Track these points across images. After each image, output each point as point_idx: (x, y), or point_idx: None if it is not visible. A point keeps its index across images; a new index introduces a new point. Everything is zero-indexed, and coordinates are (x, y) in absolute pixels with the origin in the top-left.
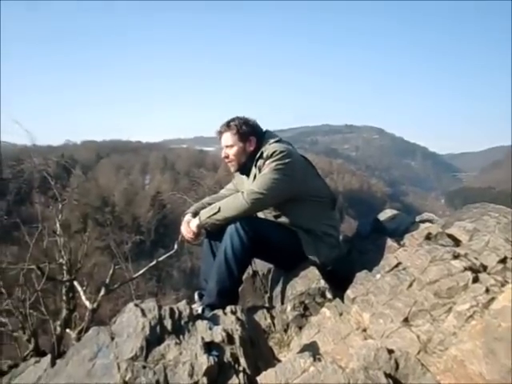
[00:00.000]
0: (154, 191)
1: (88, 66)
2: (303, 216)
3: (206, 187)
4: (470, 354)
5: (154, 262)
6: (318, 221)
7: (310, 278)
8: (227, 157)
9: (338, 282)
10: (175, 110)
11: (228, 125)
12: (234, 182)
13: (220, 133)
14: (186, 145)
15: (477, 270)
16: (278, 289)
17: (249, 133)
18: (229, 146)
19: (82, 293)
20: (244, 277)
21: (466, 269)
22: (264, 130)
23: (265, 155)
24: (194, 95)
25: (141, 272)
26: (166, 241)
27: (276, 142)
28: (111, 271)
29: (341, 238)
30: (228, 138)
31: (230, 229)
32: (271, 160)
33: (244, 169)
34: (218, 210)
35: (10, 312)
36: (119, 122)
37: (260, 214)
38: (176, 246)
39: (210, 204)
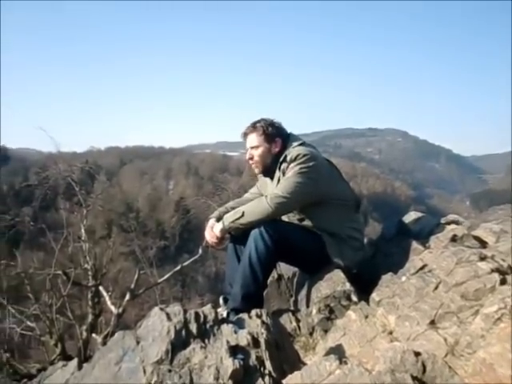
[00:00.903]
0: (177, 196)
1: (111, 72)
2: (327, 219)
3: (230, 192)
4: (498, 357)
5: (178, 267)
6: (343, 224)
7: (334, 281)
8: (252, 158)
9: (363, 284)
10: (198, 115)
11: (254, 126)
12: (257, 186)
13: (245, 134)
14: (210, 150)
15: (504, 272)
16: (303, 292)
17: (275, 134)
18: (254, 147)
19: (107, 298)
20: (269, 280)
21: (493, 270)
22: (288, 132)
23: (289, 158)
24: (217, 100)
25: (165, 277)
26: (191, 246)
27: (300, 145)
28: (136, 276)
29: (365, 240)
30: (254, 138)
31: (254, 233)
32: (295, 163)
33: (268, 171)
34: (242, 215)
35: (38, 317)
36: (142, 127)
37: (284, 218)
38: (200, 251)
39: (233, 208)
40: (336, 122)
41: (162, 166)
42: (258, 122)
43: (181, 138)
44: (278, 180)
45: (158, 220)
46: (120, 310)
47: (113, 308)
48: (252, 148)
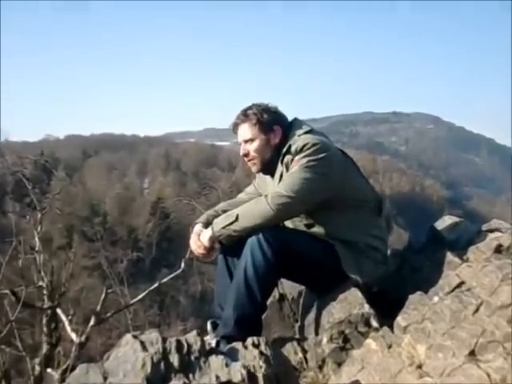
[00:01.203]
0: (154, 197)
1: (73, 45)
2: (342, 225)
3: (220, 191)
4: None
5: (155, 285)
6: (361, 231)
7: (350, 302)
8: (247, 154)
9: (386, 306)
10: (180, 97)
11: (245, 114)
12: (255, 184)
13: (236, 125)
14: (195, 139)
15: None
16: (312, 316)
17: (272, 121)
18: (248, 141)
19: (66, 323)
20: (269, 301)
21: None
22: (291, 118)
23: (293, 149)
24: (204, 78)
25: (139, 297)
26: (171, 258)
27: (307, 132)
28: (103, 296)
29: (389, 251)
30: (246, 130)
31: (251, 242)
32: (302, 155)
33: (268, 168)
34: (236, 219)
35: None
36: (111, 111)
37: (288, 224)
38: (183, 265)
39: (225, 211)
40: (352, 105)
41: (135, 159)
42: (249, 108)
43: (158, 124)
44: (281, 176)
45: (130, 226)
46: (83, 338)
47: (73, 336)
48: (246, 142)
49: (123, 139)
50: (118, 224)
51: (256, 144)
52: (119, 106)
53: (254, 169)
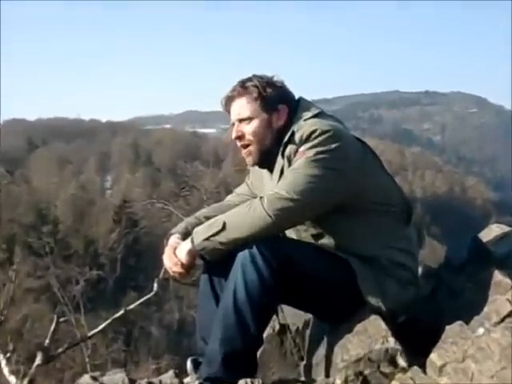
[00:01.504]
0: (119, 199)
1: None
2: (359, 235)
3: (203, 192)
4: None
5: (120, 313)
6: (384, 243)
7: (371, 335)
8: (241, 137)
9: (417, 340)
10: (153, 71)
11: (244, 85)
12: (248, 183)
13: (229, 99)
14: (171, 124)
15: None
16: (321, 352)
17: (277, 98)
18: (245, 120)
19: (3, 363)
20: (266, 334)
21: None
22: (296, 98)
23: (298, 137)
24: (184, 50)
25: (100, 328)
26: (140, 278)
27: (315, 116)
28: (53, 327)
29: (420, 270)
30: (244, 106)
31: (243, 257)
32: (308, 145)
33: (267, 159)
34: (223, 228)
35: None
36: (64, 92)
37: (290, 233)
38: (156, 287)
39: (208, 218)
40: (373, 83)
41: (94, 151)
42: (249, 79)
43: (125, 107)
44: (281, 172)
45: (87, 237)
46: (25, 381)
47: (12, 380)
48: (241, 121)
49: (79, 125)
50: (72, 234)
51: (255, 125)
52: (76, 86)
53: (249, 160)
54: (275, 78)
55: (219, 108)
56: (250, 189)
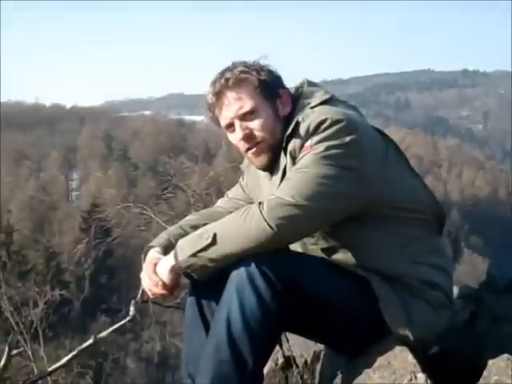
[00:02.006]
0: (88, 202)
1: None
2: (381, 249)
3: (190, 194)
4: None
5: (88, 343)
6: (411, 258)
7: (395, 370)
8: (250, 136)
9: (452, 376)
10: (129, 51)
11: (240, 72)
12: (242, 185)
13: (220, 93)
14: (151, 111)
15: None
16: None
17: (276, 83)
18: (249, 113)
19: None
20: (266, 368)
21: None
22: (299, 81)
23: (303, 129)
24: (167, 24)
25: (63, 361)
26: (112, 300)
27: (324, 102)
28: (3, 361)
29: (455, 290)
30: (244, 97)
31: (238, 277)
32: (316, 139)
33: (277, 157)
34: (213, 241)
35: None
36: (21, 73)
37: (296, 247)
38: (132, 311)
39: (195, 228)
40: (400, 60)
41: (57, 143)
42: (237, 66)
43: (95, 89)
44: (284, 172)
45: (48, 249)
46: None
47: None
48: (243, 117)
49: (39, 111)
50: (30, 245)
51: (263, 117)
52: (35, 66)
53: (260, 160)
54: (260, 61)
55: (208, 96)
56: (245, 192)
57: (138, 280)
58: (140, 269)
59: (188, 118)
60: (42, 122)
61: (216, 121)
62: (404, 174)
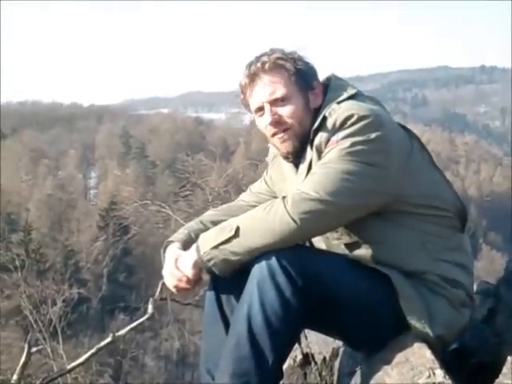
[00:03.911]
0: (106, 200)
1: None
2: (404, 246)
3: (208, 191)
4: None
5: (107, 341)
6: (433, 255)
7: (413, 367)
8: (278, 121)
9: (471, 372)
10: (147, 49)
11: (272, 59)
12: (266, 179)
13: (253, 77)
14: (170, 108)
15: None
16: None
17: (311, 74)
18: (280, 100)
19: None
20: (285, 365)
21: None
22: (327, 74)
23: (330, 124)
24: (184, 23)
25: (82, 359)
26: (131, 298)
27: (351, 97)
28: (23, 358)
29: (474, 286)
30: (278, 83)
31: (259, 272)
32: (342, 134)
33: (303, 147)
34: (236, 234)
35: None
36: (38, 72)
37: (318, 242)
38: (151, 309)
39: (215, 223)
40: (418, 57)
41: (75, 142)
42: (274, 52)
43: (113, 87)
44: (310, 166)
45: (66, 247)
46: None
47: None
48: (274, 102)
49: (57, 110)
50: (48, 244)
51: (294, 105)
52: (53, 65)
53: (285, 146)
54: (297, 51)
55: (227, 88)
56: (268, 186)
57: (157, 278)
58: (158, 267)
59: (206, 115)
60: (59, 120)
61: (246, 104)
62: (427, 171)
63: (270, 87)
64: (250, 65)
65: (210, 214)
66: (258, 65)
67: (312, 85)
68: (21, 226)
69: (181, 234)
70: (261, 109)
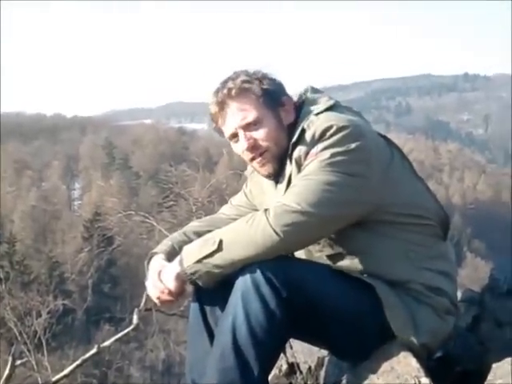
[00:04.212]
0: (89, 211)
1: None
2: (387, 255)
3: (191, 202)
4: None
5: (92, 352)
6: (417, 264)
7: (399, 375)
8: (256, 146)
9: (456, 380)
10: (128, 61)
11: (242, 82)
12: (246, 192)
13: (222, 104)
14: (153, 119)
15: None
16: None
17: (278, 90)
18: (252, 124)
19: None
20: (271, 375)
21: None
22: (302, 88)
23: (308, 136)
24: (166, 33)
25: (67, 371)
26: (116, 309)
27: (328, 109)
28: (7, 371)
29: (458, 294)
30: (248, 107)
31: (244, 284)
32: (322, 146)
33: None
34: (219, 247)
35: None
36: (21, 84)
37: (300, 255)
38: (136, 319)
39: (199, 234)
40: (401, 65)
41: (58, 153)
42: (239, 75)
43: (95, 99)
44: (289, 180)
45: (51, 258)
46: None
47: None
48: (247, 127)
49: (40, 121)
50: (32, 255)
51: (267, 127)
52: (36, 77)
53: (265, 169)
54: (262, 70)
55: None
56: (248, 199)
57: (142, 288)
58: (143, 277)
59: (189, 125)
60: (43, 131)
61: (219, 131)
62: (408, 180)
63: (240, 113)
64: (216, 92)
65: (193, 226)
66: (225, 91)
67: (281, 101)
68: (5, 238)
69: (165, 245)
70: (235, 135)
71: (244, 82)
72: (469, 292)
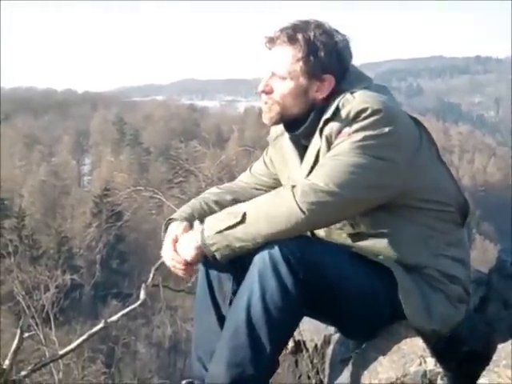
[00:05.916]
0: (99, 187)
1: None
2: (406, 240)
3: (201, 178)
4: None
5: (99, 327)
6: (435, 250)
7: (406, 355)
8: (269, 92)
9: (461, 361)
10: (140, 36)
11: (292, 33)
12: (265, 160)
13: (272, 41)
14: (164, 95)
15: None
16: (345, 376)
17: (325, 65)
18: (278, 77)
19: None
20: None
21: None
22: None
23: (343, 114)
24: (178, 9)
25: (74, 345)
26: (123, 284)
27: (365, 88)
28: (15, 344)
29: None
30: (282, 60)
31: (261, 261)
32: (356, 127)
33: (287, 122)
34: (242, 219)
35: None
36: (32, 59)
37: (318, 232)
38: (143, 295)
39: (218, 203)
40: (412, 46)
41: (69, 128)
42: (304, 27)
43: (107, 74)
44: (317, 155)
45: (59, 233)
46: None
47: None
48: (274, 75)
49: (51, 96)
50: (41, 229)
51: (287, 87)
52: (46, 51)
53: (265, 117)
54: (339, 36)
55: (222, 76)
56: (268, 168)
57: (149, 264)
58: (151, 253)
59: (200, 103)
60: (53, 106)
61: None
62: (433, 164)
63: (275, 60)
64: (279, 31)
65: (211, 193)
66: (283, 33)
67: (321, 76)
68: (14, 212)
69: (183, 212)
70: (264, 74)
71: (301, 38)
72: (477, 273)
